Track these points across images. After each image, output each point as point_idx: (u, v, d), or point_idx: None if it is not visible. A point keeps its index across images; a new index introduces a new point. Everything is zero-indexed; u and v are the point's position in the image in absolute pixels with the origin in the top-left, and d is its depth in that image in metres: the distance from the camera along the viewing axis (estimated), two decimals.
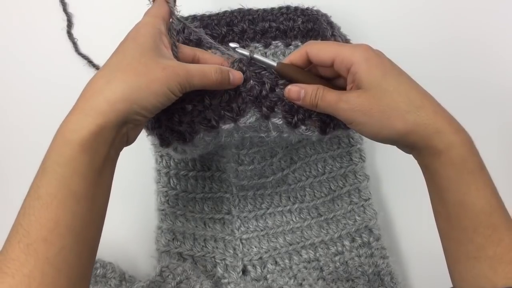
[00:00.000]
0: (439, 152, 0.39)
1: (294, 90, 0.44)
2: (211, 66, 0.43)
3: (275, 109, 0.45)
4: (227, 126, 0.46)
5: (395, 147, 0.43)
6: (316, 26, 0.60)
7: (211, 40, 0.48)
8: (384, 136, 0.41)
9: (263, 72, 0.45)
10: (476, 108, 0.66)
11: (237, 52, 0.45)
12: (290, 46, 0.61)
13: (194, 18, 0.59)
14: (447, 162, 0.39)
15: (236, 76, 0.44)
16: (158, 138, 0.46)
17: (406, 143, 0.41)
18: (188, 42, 0.56)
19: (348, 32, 0.59)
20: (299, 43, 0.61)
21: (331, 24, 0.59)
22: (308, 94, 0.43)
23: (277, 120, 0.45)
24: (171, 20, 0.45)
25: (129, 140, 0.41)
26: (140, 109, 0.38)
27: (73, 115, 0.37)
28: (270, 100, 0.45)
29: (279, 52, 0.62)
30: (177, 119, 0.45)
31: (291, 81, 0.45)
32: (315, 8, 0.61)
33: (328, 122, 0.46)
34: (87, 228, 0.37)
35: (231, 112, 0.45)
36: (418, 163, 0.43)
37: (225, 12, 0.60)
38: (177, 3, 0.46)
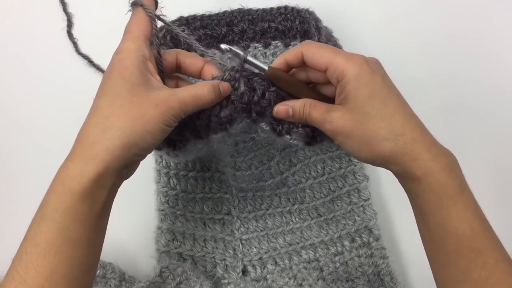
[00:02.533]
0: (417, 179, 0.39)
1: (282, 109, 0.44)
2: (203, 85, 0.41)
3: (264, 115, 0.45)
4: (217, 136, 0.45)
5: None
6: (309, 29, 0.59)
7: (202, 47, 0.46)
8: (363, 158, 0.41)
9: (255, 78, 0.44)
10: (472, 108, 0.66)
11: (231, 52, 0.45)
12: (290, 46, 0.61)
13: (194, 18, 0.59)
14: (426, 188, 0.39)
15: (225, 88, 0.43)
16: None
17: (385, 166, 0.41)
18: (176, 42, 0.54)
19: (344, 30, 0.59)
20: (298, 43, 0.61)
21: (319, 30, 0.58)
22: (296, 112, 0.43)
23: (264, 126, 0.45)
24: (158, 33, 0.43)
25: (127, 176, 0.42)
26: (138, 150, 0.38)
27: (72, 163, 0.37)
28: (260, 106, 0.44)
29: (278, 52, 0.62)
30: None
31: (280, 87, 0.45)
32: (310, 9, 0.60)
33: (314, 136, 0.46)
34: (84, 273, 0.38)
35: (222, 124, 0.44)
36: (401, 185, 0.43)
37: (225, 12, 0.60)
38: (160, 8, 0.44)
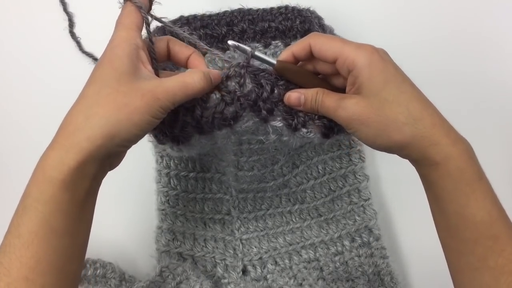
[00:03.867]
0: (436, 164, 0.39)
1: (294, 97, 0.43)
2: (192, 73, 0.40)
3: (274, 112, 0.44)
4: (221, 132, 0.45)
5: None
6: (312, 27, 0.59)
7: (204, 45, 0.46)
8: (380, 145, 0.41)
9: (261, 74, 0.44)
10: (474, 105, 0.66)
11: (238, 48, 0.44)
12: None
13: (194, 17, 0.59)
14: (444, 174, 0.38)
15: (216, 77, 0.42)
16: (154, 137, 0.46)
17: (403, 153, 0.41)
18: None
19: (344, 29, 0.59)
20: None
21: (322, 27, 0.58)
22: (308, 100, 0.43)
23: (277, 123, 0.44)
24: (148, 22, 0.42)
25: (112, 167, 0.41)
26: (121, 141, 0.37)
27: (53, 151, 0.37)
28: (270, 102, 0.44)
29: (278, 52, 0.61)
30: (169, 125, 0.44)
31: (290, 81, 0.44)
32: (311, 8, 0.60)
33: (332, 127, 0.45)
34: (69, 263, 0.37)
35: (226, 120, 0.43)
36: (417, 172, 0.42)
37: (225, 12, 0.60)
38: (159, 7, 0.44)
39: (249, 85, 0.43)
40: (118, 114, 0.37)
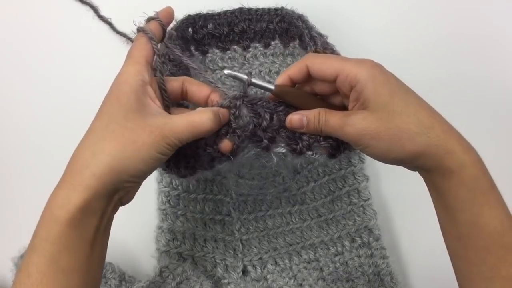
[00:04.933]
0: (450, 173, 0.38)
1: (295, 119, 0.42)
2: (202, 113, 0.39)
3: (276, 139, 0.43)
4: (222, 166, 0.43)
5: None
6: (292, 27, 0.59)
7: (209, 78, 0.44)
8: (393, 158, 0.40)
9: (258, 103, 0.42)
10: (473, 108, 0.66)
11: (234, 78, 0.43)
12: (289, 46, 0.61)
13: (199, 16, 0.59)
14: (459, 182, 0.38)
15: (225, 116, 0.41)
16: (162, 169, 0.45)
17: (416, 164, 0.40)
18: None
19: (340, 31, 0.59)
20: (297, 44, 0.61)
21: (314, 40, 0.57)
22: (311, 121, 0.41)
23: (280, 149, 0.43)
24: (159, 56, 0.42)
25: (123, 203, 0.40)
26: (129, 177, 0.37)
27: (60, 190, 0.36)
28: (271, 130, 0.42)
29: (278, 52, 0.62)
30: (174, 164, 0.43)
31: (290, 104, 0.43)
32: (304, 15, 0.59)
33: (338, 146, 0.43)
34: None
35: (223, 155, 0.42)
36: (426, 182, 0.42)
37: (226, 11, 0.60)
38: (167, 35, 0.43)
39: (246, 118, 0.42)
40: (124, 150, 0.36)
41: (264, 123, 0.42)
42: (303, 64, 0.42)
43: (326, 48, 0.53)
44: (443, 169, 0.38)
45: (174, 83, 0.43)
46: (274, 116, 0.42)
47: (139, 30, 0.42)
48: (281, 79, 0.43)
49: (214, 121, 0.39)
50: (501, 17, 0.68)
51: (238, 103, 0.41)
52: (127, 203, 0.41)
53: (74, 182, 0.36)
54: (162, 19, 0.43)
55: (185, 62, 0.44)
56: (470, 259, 0.39)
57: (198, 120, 0.39)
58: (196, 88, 0.43)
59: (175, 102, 0.44)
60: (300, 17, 0.58)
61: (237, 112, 0.41)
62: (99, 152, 0.36)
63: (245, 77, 0.42)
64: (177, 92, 0.43)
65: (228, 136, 0.41)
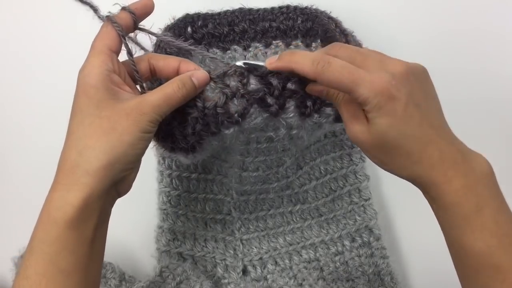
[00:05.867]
0: (432, 199, 0.39)
1: (317, 89, 0.42)
2: (171, 83, 0.39)
3: (286, 105, 0.43)
4: (229, 131, 0.44)
5: None
6: (315, 25, 0.59)
7: (203, 51, 0.45)
8: (385, 169, 0.41)
9: (269, 75, 0.43)
10: (478, 104, 0.66)
11: (250, 66, 0.43)
12: (291, 46, 0.61)
13: (198, 16, 0.59)
14: (439, 207, 0.38)
15: (201, 78, 0.41)
16: (166, 148, 0.46)
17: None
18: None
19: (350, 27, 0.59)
20: (300, 43, 0.61)
21: (332, 18, 0.57)
22: (329, 95, 0.41)
23: (288, 115, 0.44)
24: (127, 41, 0.41)
25: (120, 195, 0.40)
26: (123, 165, 0.37)
27: (55, 192, 0.36)
28: (283, 97, 0.43)
29: (279, 52, 0.62)
30: (180, 136, 0.43)
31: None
32: (314, 7, 0.60)
33: None
34: None
35: (232, 117, 0.42)
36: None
37: (227, 11, 0.60)
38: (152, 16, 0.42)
39: (254, 86, 0.42)
40: (108, 140, 0.36)
41: (276, 92, 0.42)
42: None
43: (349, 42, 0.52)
44: (427, 195, 0.39)
45: (141, 63, 0.42)
46: (287, 84, 0.43)
47: (103, 18, 0.41)
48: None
49: (185, 87, 0.39)
50: (502, 14, 0.68)
51: (245, 72, 0.42)
52: (125, 193, 0.41)
53: (68, 183, 0.36)
54: (138, 10, 0.42)
55: (186, 48, 0.44)
56: (463, 275, 0.40)
57: (170, 90, 0.39)
58: (163, 63, 0.43)
59: (148, 82, 0.44)
60: (311, 7, 0.59)
61: (244, 80, 0.42)
62: (84, 149, 0.36)
63: (262, 63, 0.42)
64: (145, 71, 0.43)
65: (238, 100, 0.42)
